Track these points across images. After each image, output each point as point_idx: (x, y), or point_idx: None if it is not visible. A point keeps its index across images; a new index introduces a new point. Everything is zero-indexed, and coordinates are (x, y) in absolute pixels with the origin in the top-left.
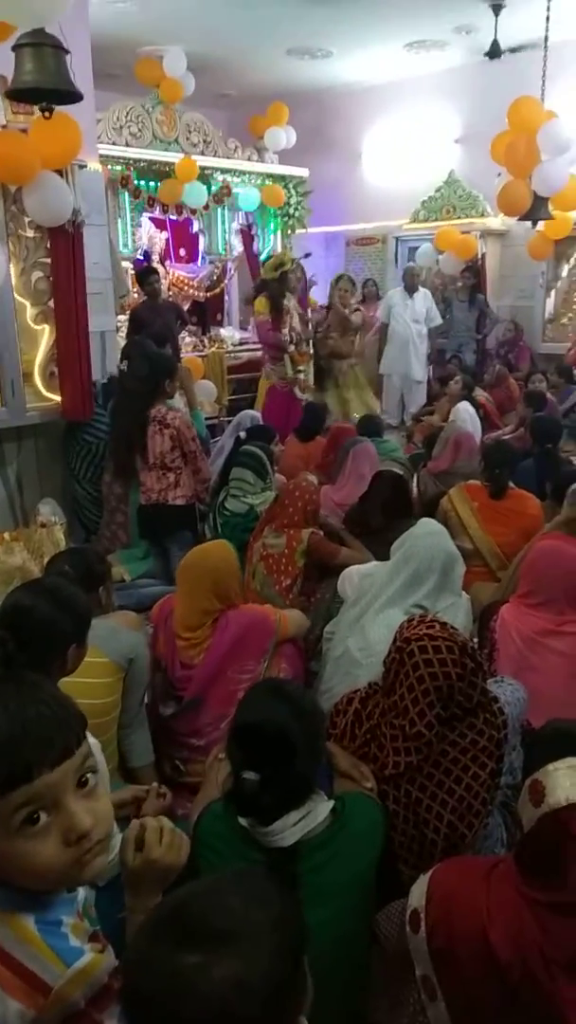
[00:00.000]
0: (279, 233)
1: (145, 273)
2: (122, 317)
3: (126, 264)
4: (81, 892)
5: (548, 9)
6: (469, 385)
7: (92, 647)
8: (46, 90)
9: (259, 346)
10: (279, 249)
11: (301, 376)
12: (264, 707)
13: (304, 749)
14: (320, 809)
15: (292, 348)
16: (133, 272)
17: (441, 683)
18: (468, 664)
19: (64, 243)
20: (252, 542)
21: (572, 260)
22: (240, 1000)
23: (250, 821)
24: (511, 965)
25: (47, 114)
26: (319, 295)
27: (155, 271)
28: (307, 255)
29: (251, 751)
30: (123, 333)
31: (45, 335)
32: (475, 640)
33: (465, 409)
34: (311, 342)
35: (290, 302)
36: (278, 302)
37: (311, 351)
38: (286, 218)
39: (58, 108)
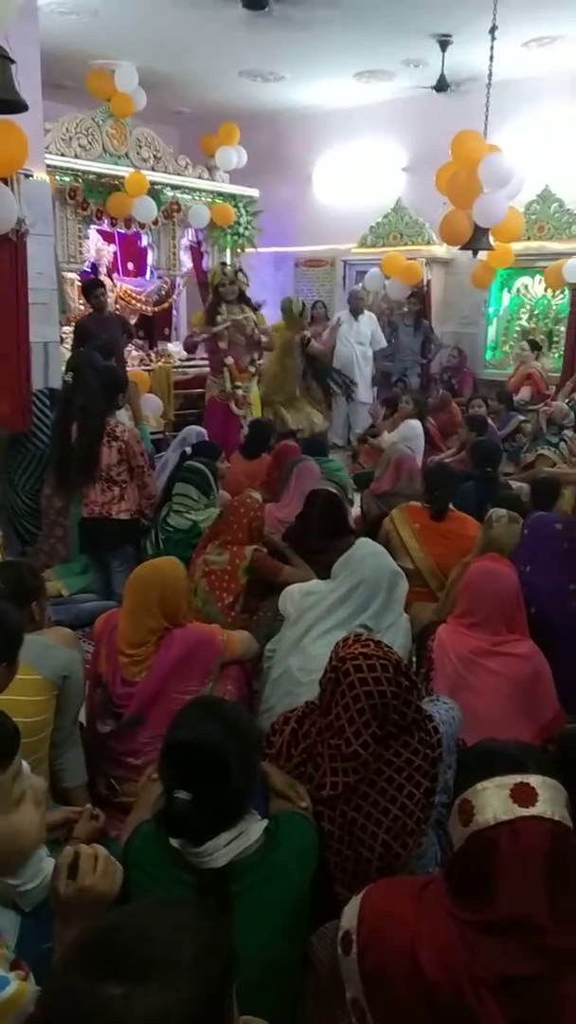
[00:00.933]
0: (228, 251)
1: (91, 286)
2: (67, 329)
3: (72, 276)
4: None
5: (492, 48)
6: (420, 403)
7: (24, 664)
8: None
9: (205, 361)
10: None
11: (239, 392)
12: (197, 725)
13: (238, 768)
14: (253, 829)
15: (231, 361)
16: (79, 284)
17: (376, 701)
18: (403, 682)
19: (7, 252)
20: (195, 559)
21: (514, 290)
22: None
23: (181, 842)
24: (440, 985)
25: None
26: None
27: (101, 284)
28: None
29: (183, 770)
30: (68, 345)
31: None
32: (414, 660)
33: (413, 426)
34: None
35: (238, 316)
36: (212, 316)
37: (252, 370)
38: (236, 237)
39: (4, 116)
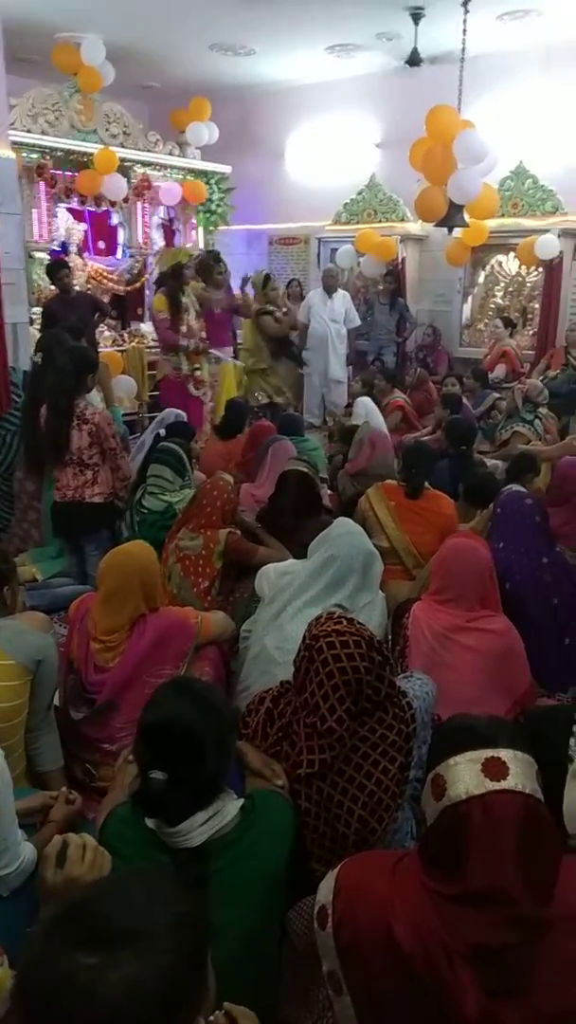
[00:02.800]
0: (201, 229)
1: (54, 267)
2: (36, 309)
3: (41, 255)
4: None
5: (465, 22)
6: (369, 383)
7: None
8: None
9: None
10: (201, 245)
11: (197, 373)
12: (171, 705)
13: (213, 747)
14: (229, 808)
15: (187, 344)
16: (45, 265)
17: (350, 677)
18: (376, 658)
19: None
20: (167, 543)
21: (488, 267)
22: (134, 1004)
23: (156, 822)
24: (414, 957)
25: None
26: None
27: (65, 264)
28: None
29: (158, 750)
30: (37, 326)
31: None
32: (389, 637)
33: (364, 403)
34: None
35: (189, 298)
36: (176, 299)
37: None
38: (208, 214)
39: None
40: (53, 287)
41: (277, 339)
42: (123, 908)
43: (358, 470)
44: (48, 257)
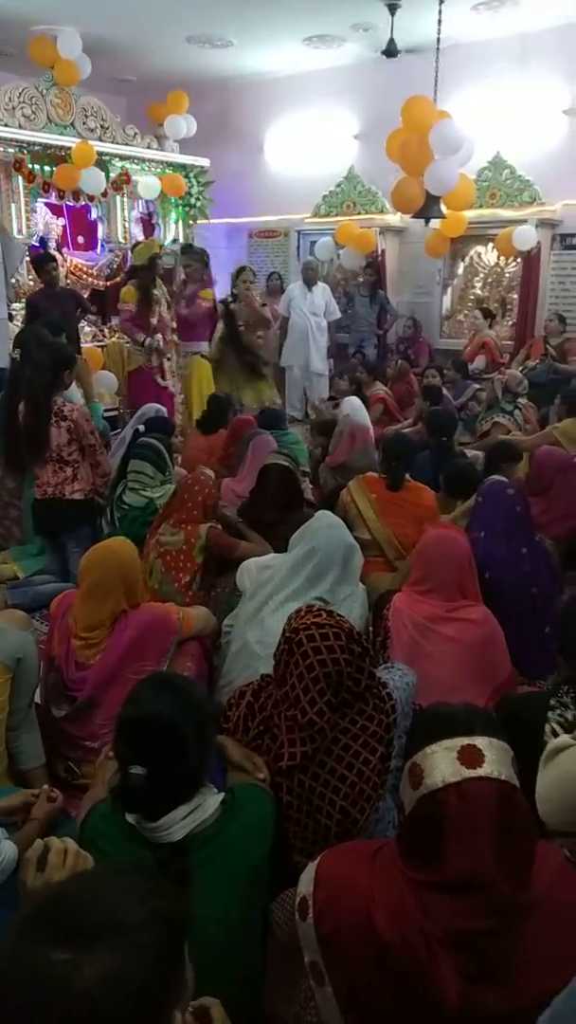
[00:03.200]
0: (180, 223)
1: (42, 260)
2: (17, 305)
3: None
4: None
5: (440, 12)
6: (355, 380)
7: None
8: None
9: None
10: (181, 239)
11: (166, 363)
12: (151, 700)
13: (192, 742)
14: (210, 802)
15: (143, 340)
16: (29, 258)
17: (330, 669)
18: (355, 649)
19: None
20: (148, 538)
21: (467, 258)
22: (110, 998)
23: (137, 818)
24: (394, 945)
25: None
26: (220, 289)
27: (53, 258)
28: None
29: (138, 745)
30: (18, 321)
31: None
32: (370, 629)
33: (351, 403)
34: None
35: (160, 291)
36: (147, 291)
37: (175, 338)
38: (188, 208)
39: None
40: (32, 280)
41: (235, 336)
42: (99, 902)
43: (338, 463)
44: (28, 251)
